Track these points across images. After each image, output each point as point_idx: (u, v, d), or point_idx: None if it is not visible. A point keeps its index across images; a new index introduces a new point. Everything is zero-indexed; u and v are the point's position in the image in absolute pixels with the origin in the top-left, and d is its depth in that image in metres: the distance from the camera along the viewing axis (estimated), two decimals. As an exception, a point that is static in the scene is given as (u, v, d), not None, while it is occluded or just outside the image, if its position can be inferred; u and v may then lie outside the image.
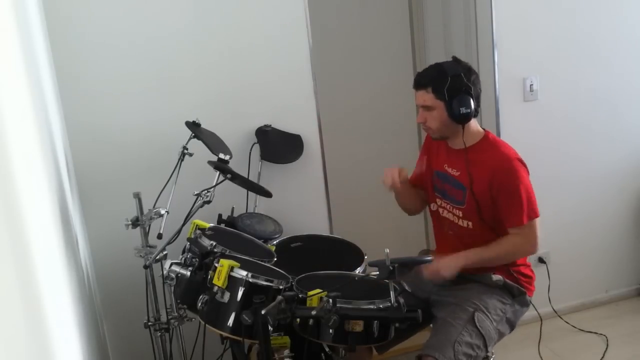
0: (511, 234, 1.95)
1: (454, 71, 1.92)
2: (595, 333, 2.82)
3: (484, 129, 2.04)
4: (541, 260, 2.87)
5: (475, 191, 1.94)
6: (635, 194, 3.09)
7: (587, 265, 3.07)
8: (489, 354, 1.91)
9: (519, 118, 2.81)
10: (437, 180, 2.11)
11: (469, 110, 1.91)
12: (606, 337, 2.77)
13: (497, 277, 1.97)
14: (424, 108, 1.97)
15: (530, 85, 2.80)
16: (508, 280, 1.99)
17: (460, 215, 2.02)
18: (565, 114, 2.89)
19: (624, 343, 2.73)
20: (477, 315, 1.88)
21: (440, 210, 2.11)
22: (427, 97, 1.94)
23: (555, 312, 2.86)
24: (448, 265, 1.91)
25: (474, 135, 2.00)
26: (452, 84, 1.90)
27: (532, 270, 2.09)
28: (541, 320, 2.13)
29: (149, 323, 2.10)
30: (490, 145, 1.99)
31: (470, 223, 1.99)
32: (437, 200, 2.12)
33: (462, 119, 1.93)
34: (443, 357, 1.76)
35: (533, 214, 1.92)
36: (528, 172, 1.97)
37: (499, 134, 2.72)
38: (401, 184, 2.07)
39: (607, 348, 2.70)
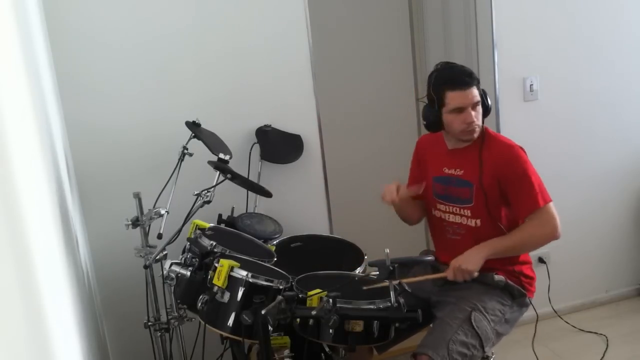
0: (529, 220, 1.92)
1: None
2: (595, 333, 2.82)
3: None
4: (541, 260, 2.87)
5: (484, 184, 1.94)
6: (635, 194, 3.09)
7: (587, 265, 3.07)
8: (487, 354, 1.90)
9: (519, 118, 2.81)
10: (437, 186, 2.08)
11: (490, 104, 2.03)
12: (606, 337, 2.77)
13: (498, 277, 1.96)
14: (474, 105, 1.93)
15: (530, 85, 2.80)
16: (509, 281, 1.98)
17: (469, 214, 2.00)
18: (565, 114, 2.89)
19: (624, 343, 2.73)
20: (474, 314, 1.88)
21: (445, 215, 2.07)
22: (476, 93, 1.94)
23: (555, 312, 2.86)
24: (470, 258, 1.88)
25: None
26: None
27: (532, 270, 2.08)
28: (537, 318, 2.12)
29: (149, 323, 2.10)
30: (491, 138, 2.01)
31: (479, 221, 1.98)
32: (440, 206, 2.08)
33: (489, 113, 2.02)
34: (437, 355, 1.76)
35: (547, 196, 1.92)
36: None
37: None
38: (400, 199, 2.01)
39: (607, 348, 2.69)
